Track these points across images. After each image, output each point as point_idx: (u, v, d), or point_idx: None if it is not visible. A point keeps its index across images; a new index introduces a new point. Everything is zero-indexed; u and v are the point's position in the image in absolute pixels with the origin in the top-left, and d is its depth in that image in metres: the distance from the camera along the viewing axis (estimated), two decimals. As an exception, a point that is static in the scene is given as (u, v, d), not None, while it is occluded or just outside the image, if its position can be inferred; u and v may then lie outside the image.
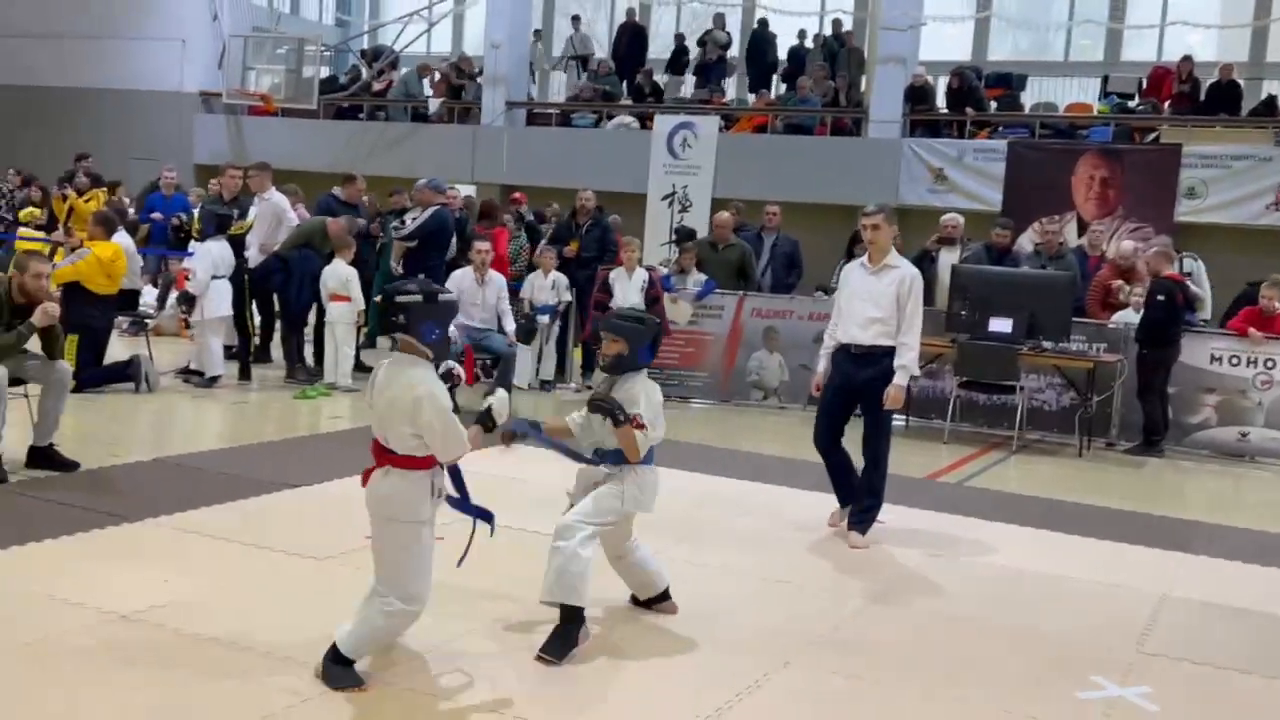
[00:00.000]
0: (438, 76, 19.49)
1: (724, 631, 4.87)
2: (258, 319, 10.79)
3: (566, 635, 4.40)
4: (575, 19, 20.25)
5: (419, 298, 4.01)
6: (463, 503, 4.22)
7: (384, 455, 4.04)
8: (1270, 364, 9.65)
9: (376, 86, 19.83)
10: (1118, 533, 6.94)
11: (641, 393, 4.61)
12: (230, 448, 7.79)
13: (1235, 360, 9.77)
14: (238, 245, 9.98)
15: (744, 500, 7.16)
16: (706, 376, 11.06)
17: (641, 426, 4.54)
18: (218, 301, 9.70)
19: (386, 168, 16.37)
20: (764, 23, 18.73)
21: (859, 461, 6.41)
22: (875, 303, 6.18)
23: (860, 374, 6.22)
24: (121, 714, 3.74)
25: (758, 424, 10.15)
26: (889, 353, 6.13)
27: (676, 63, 19.61)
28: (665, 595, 4.98)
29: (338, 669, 3.99)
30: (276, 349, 11.14)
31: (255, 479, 6.81)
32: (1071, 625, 5.25)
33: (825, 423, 6.43)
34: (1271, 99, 16.15)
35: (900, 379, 6.11)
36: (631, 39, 19.28)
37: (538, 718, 3.94)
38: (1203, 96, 15.56)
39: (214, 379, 9.70)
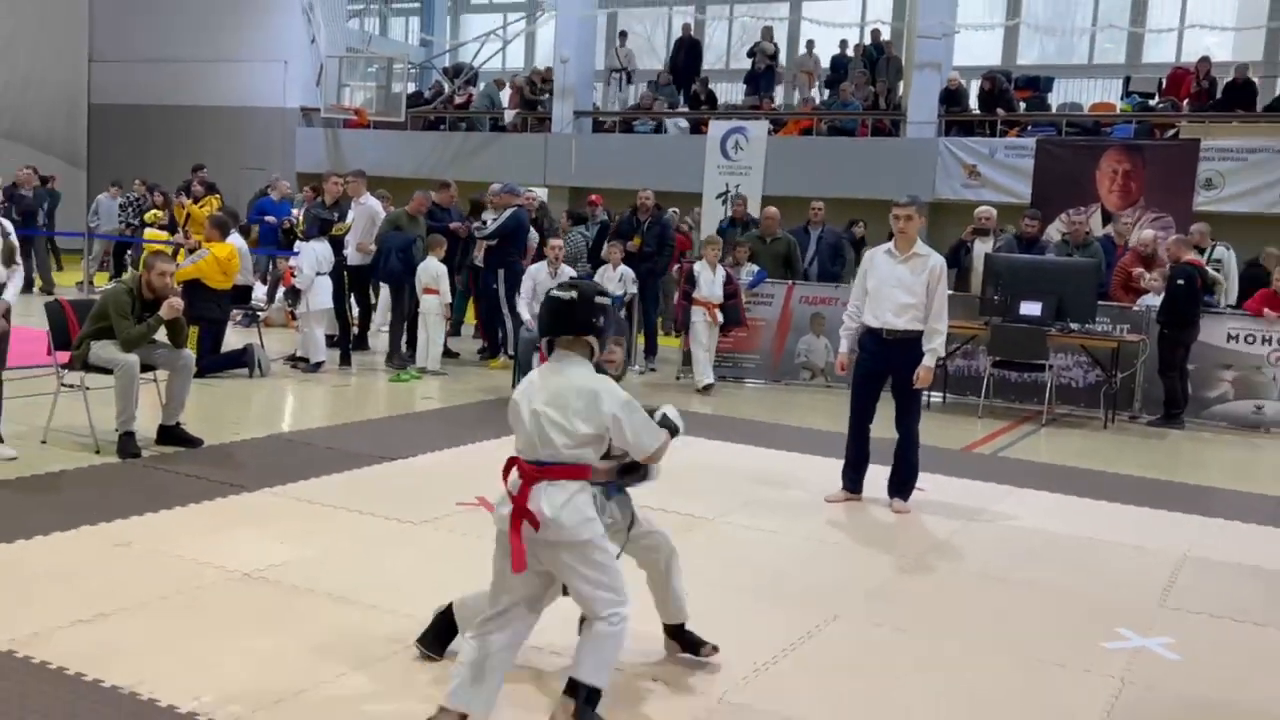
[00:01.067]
0: (510, 90, 19.58)
1: (778, 588, 4.89)
2: (356, 311, 10.98)
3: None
4: (622, 35, 20.18)
5: (609, 300, 3.53)
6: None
7: (537, 472, 3.35)
8: (1285, 342, 9.45)
9: (458, 100, 19.97)
10: (1141, 498, 6.86)
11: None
12: (335, 425, 7.93)
13: (1251, 339, 9.58)
14: (337, 245, 10.14)
15: (795, 471, 7.15)
16: (759, 358, 11.05)
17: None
18: (320, 295, 9.89)
19: (468, 173, 16.50)
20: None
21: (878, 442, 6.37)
22: (909, 290, 5.99)
23: (894, 357, 6.09)
24: (245, 657, 3.83)
25: (806, 402, 10.11)
26: (919, 336, 6.01)
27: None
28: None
29: (590, 711, 3.35)
30: (373, 339, 11.34)
31: (358, 453, 6.93)
32: (1098, 584, 5.20)
33: (859, 405, 6.32)
34: (1285, 95, 15.74)
35: (929, 360, 6.00)
36: (688, 51, 19.23)
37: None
38: (1219, 94, 15.18)
39: (318, 364, 9.88)
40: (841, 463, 6.50)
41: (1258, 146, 13.85)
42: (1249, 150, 13.83)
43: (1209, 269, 9.98)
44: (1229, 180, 13.78)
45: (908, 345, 6.01)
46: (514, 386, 9.09)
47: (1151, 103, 15.90)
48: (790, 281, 11.09)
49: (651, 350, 11.61)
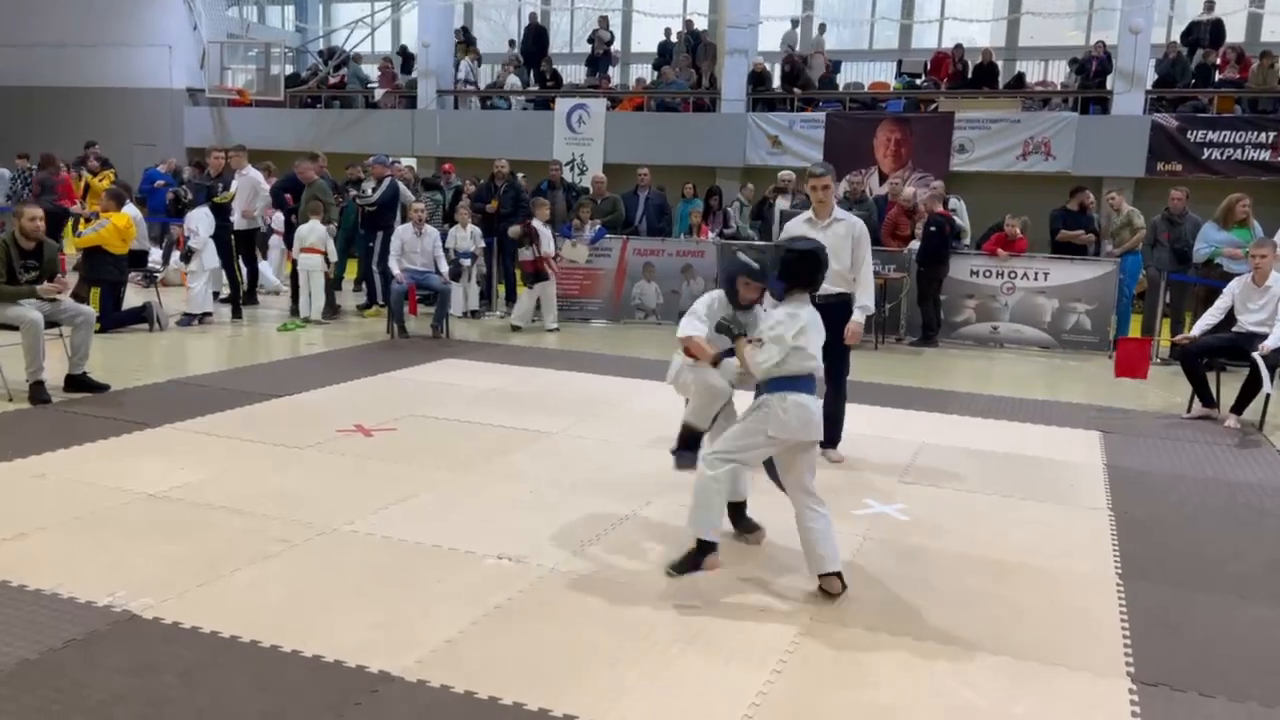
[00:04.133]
0: (379, 71, 19.12)
1: (604, 482, 5.18)
2: (244, 270, 10.76)
3: (691, 559, 3.90)
4: (466, 32, 19.88)
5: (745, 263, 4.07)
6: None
7: None
8: (1013, 275, 10.23)
9: (332, 80, 19.37)
10: (899, 402, 7.37)
11: (787, 316, 3.77)
12: (229, 370, 7.84)
13: (989, 274, 10.32)
14: (220, 212, 9.90)
15: (627, 393, 7.45)
16: (601, 302, 11.32)
17: (753, 342, 3.85)
18: (209, 256, 9.71)
19: (344, 146, 16.13)
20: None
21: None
22: (835, 255, 4.96)
23: (825, 320, 4.94)
24: (154, 560, 3.93)
25: (640, 337, 10.44)
26: (848, 298, 5.45)
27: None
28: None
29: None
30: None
31: (250, 391, 6.93)
32: (853, 466, 5.67)
33: None
34: (1020, 75, 16.72)
35: (859, 316, 5.44)
36: (536, 37, 19.09)
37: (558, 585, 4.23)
38: (970, 75, 16.03)
39: (206, 315, 9.73)
40: (663, 384, 6.50)
41: (998, 118, 14.72)
42: (992, 121, 14.69)
43: (954, 216, 10.68)
44: (977, 145, 14.61)
45: (838, 308, 5.34)
46: (387, 332, 9.14)
47: (918, 82, 16.65)
48: (625, 236, 11.36)
49: (511, 297, 11.75)
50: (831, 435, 5.72)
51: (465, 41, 19.02)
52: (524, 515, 4.65)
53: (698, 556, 3.90)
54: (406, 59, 19.45)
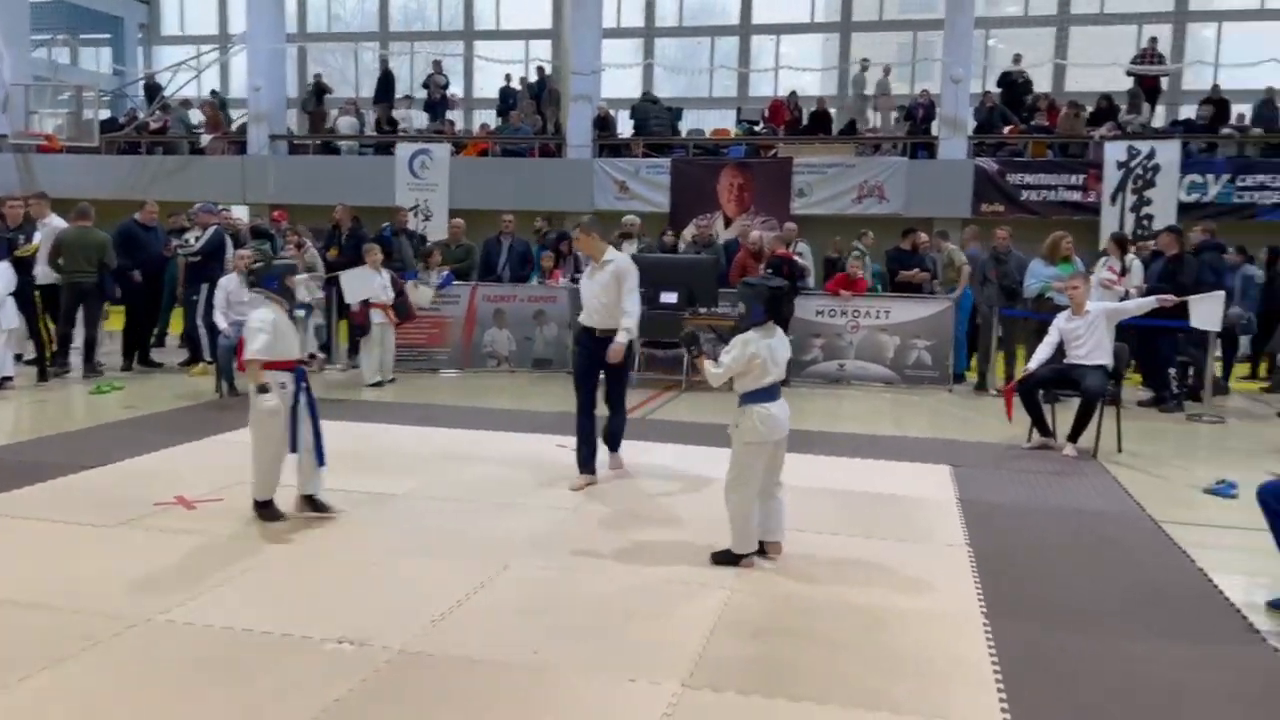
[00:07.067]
0: (202, 115, 18.19)
1: (456, 546, 4.85)
2: (51, 329, 9.80)
3: (728, 556, 4.67)
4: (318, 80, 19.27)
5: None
6: None
7: None
8: (856, 314, 10.48)
9: (153, 125, 18.27)
10: (754, 444, 7.33)
11: (740, 341, 4.57)
12: (31, 439, 7.04)
13: (833, 313, 10.54)
14: (21, 266, 9.00)
15: (480, 447, 7.12)
16: (450, 351, 10.93)
17: (707, 358, 4.76)
18: (7, 315, 8.78)
19: (168, 194, 15.12)
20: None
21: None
22: (605, 292, 6.06)
23: (601, 349, 6.09)
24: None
25: (493, 386, 10.12)
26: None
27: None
28: (761, 549, 4.75)
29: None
30: (73, 355, 10.17)
31: (54, 463, 6.21)
32: (711, 514, 5.37)
33: (583, 393, 6.24)
34: (852, 122, 17.45)
35: (621, 338, 6.05)
36: (382, 82, 18.68)
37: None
38: (806, 122, 16.60)
39: (5, 380, 8.78)
40: (526, 435, 6.58)
41: (834, 163, 15.27)
42: (828, 166, 15.22)
43: (797, 259, 10.88)
44: (815, 189, 15.10)
45: (611, 336, 6.05)
46: (216, 391, 8.47)
47: (757, 128, 17.14)
48: (474, 283, 11.05)
49: (354, 349, 11.20)
50: (612, 445, 6.50)
51: (316, 92, 18.29)
52: (367, 591, 4.25)
53: (736, 559, 4.65)
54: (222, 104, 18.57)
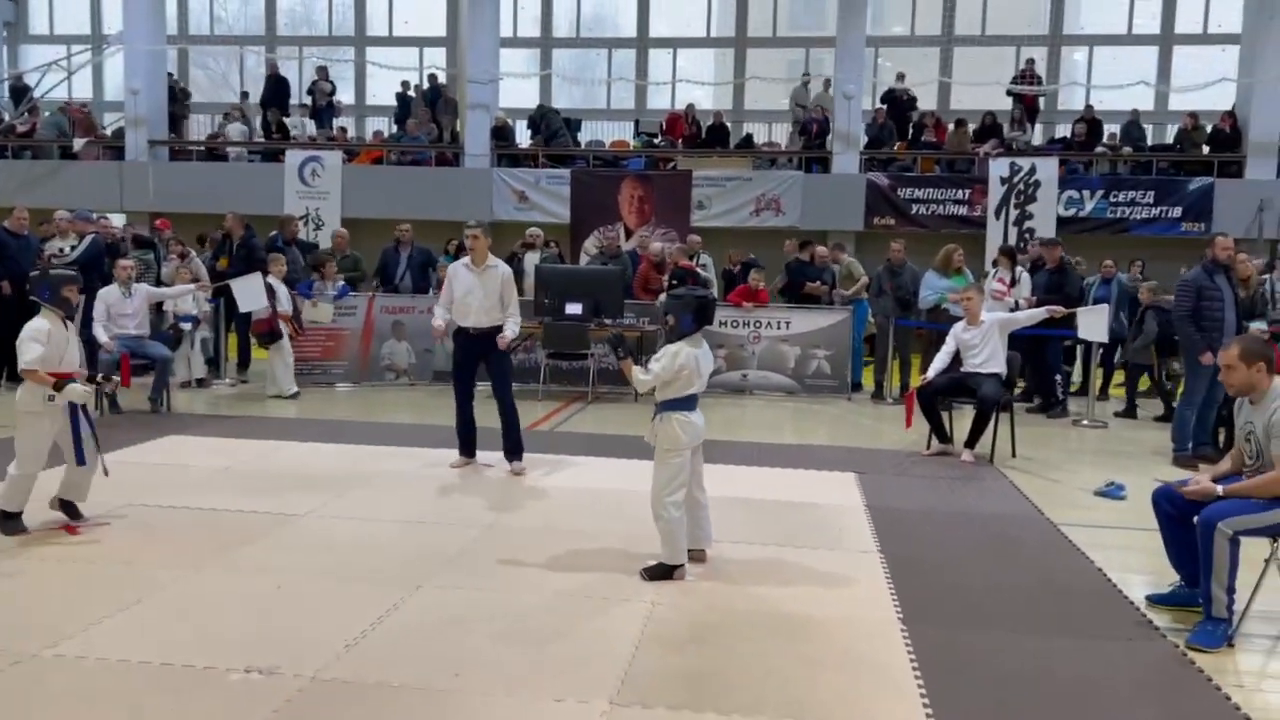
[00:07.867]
0: (74, 118, 17.23)
1: (366, 568, 4.69)
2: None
3: (664, 571, 4.61)
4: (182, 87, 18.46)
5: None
6: None
7: None
8: (758, 325, 10.62)
9: (21, 128, 17.22)
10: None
11: (670, 352, 4.61)
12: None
13: (736, 324, 10.66)
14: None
15: (381, 464, 6.93)
16: (346, 364, 10.60)
17: (636, 363, 4.71)
18: None
19: (38, 200, 14.21)
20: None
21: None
22: (488, 294, 6.51)
23: (481, 347, 6.58)
24: None
25: (392, 399, 9.86)
26: (498, 328, 6.53)
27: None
28: (700, 555, 4.87)
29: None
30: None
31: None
32: (628, 526, 5.35)
33: (461, 387, 6.78)
34: (749, 136, 17.75)
35: (509, 329, 6.53)
36: (275, 87, 18.06)
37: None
38: (704, 135, 16.79)
39: None
40: (427, 449, 6.70)
41: (732, 176, 15.49)
42: (726, 179, 15.42)
43: (699, 270, 10.98)
44: (714, 202, 15.28)
45: (491, 336, 6.54)
46: (96, 409, 7.91)
47: (656, 141, 17.24)
48: (372, 294, 10.77)
49: (245, 363, 10.79)
50: (510, 445, 6.70)
51: (171, 95, 17.45)
52: (273, 616, 4.06)
53: (670, 571, 4.58)
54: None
